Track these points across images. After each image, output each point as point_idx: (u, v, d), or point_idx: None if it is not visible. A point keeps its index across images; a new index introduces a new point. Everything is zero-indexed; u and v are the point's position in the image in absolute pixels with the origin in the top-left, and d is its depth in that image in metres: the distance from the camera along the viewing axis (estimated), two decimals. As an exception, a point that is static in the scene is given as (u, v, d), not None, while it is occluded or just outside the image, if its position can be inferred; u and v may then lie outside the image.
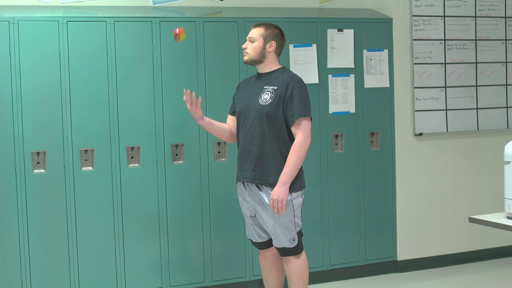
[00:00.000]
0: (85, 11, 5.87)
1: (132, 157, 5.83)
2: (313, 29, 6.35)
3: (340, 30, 6.42)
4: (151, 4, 6.22)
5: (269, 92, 4.93)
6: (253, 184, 4.99)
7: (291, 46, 6.22)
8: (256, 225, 5.15)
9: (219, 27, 6.00)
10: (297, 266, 5.03)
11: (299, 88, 4.89)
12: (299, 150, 4.84)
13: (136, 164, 5.84)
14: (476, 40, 7.02)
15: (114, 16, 5.74)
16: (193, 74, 5.92)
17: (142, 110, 5.83)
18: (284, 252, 5.03)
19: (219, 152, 6.06)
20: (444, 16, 6.86)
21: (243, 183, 5.06)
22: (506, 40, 7.16)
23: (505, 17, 7.15)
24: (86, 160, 5.70)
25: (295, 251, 5.03)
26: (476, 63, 7.01)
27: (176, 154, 5.92)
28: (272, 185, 4.89)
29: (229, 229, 6.10)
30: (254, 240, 5.24)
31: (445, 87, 6.85)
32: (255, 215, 5.10)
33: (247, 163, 4.99)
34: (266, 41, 4.95)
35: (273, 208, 4.84)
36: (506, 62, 7.15)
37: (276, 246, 5.05)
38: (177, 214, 5.96)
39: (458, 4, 6.91)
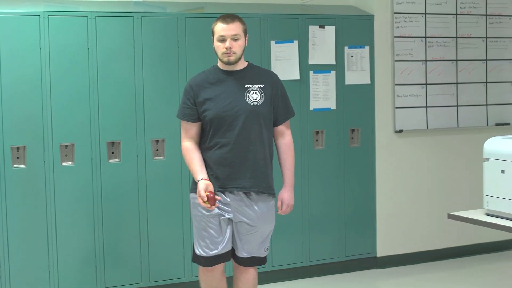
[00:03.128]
0: (66, 5, 5.84)
1: (113, 152, 5.82)
2: (295, 26, 6.36)
3: (321, 26, 6.43)
4: (133, -1, 6.21)
5: (256, 91, 4.61)
6: (249, 193, 4.58)
7: (272, 42, 6.23)
8: (227, 234, 4.61)
9: (201, 23, 5.99)
10: (255, 277, 4.79)
11: (282, 84, 4.76)
12: (293, 149, 4.76)
13: (117, 160, 5.83)
14: (456, 37, 7.04)
15: (95, 11, 5.72)
16: (175, 69, 5.91)
17: (123, 105, 5.82)
18: (251, 262, 4.72)
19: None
20: (425, 14, 6.88)
21: (231, 192, 4.56)
22: (486, 37, 7.19)
23: (486, 15, 7.18)
24: (66, 155, 5.68)
25: (263, 260, 4.78)
26: (456, 60, 7.04)
27: (157, 150, 5.91)
28: (273, 193, 4.68)
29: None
30: (218, 252, 4.61)
31: (426, 84, 6.88)
32: (232, 225, 4.62)
33: (242, 169, 4.54)
34: (245, 36, 4.63)
35: (283, 213, 4.75)
36: (486, 60, 7.18)
37: (243, 256, 4.68)
38: (159, 208, 5.97)
39: (439, 1, 6.94)
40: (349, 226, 6.66)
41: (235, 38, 4.55)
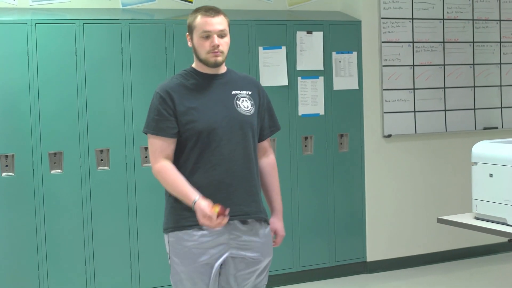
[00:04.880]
0: (54, 13, 5.84)
1: (102, 160, 5.81)
2: (283, 32, 6.37)
3: (309, 32, 6.44)
4: (120, 6, 6.20)
5: (246, 99, 3.85)
6: (246, 221, 3.76)
7: (260, 48, 6.23)
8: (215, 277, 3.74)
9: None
10: None
11: (266, 92, 4.03)
12: (277, 170, 4.03)
13: (106, 167, 5.82)
14: (444, 42, 7.07)
15: (83, 18, 5.72)
16: (163, 76, 5.89)
17: (111, 112, 5.81)
18: None
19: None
20: (413, 19, 6.90)
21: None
22: (473, 42, 7.21)
23: (473, 20, 7.21)
24: (55, 163, 5.67)
25: None
26: (444, 65, 7.06)
27: (146, 157, 5.90)
28: (267, 220, 3.87)
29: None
30: None
31: (414, 89, 6.89)
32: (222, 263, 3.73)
33: (241, 192, 3.73)
34: (229, 33, 3.85)
35: (276, 245, 3.96)
36: (473, 64, 7.21)
37: None
38: (148, 216, 5.96)
39: (426, 6, 6.96)
40: (339, 231, 6.67)
41: (221, 35, 3.76)
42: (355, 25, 6.68)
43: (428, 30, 6.99)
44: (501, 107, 7.34)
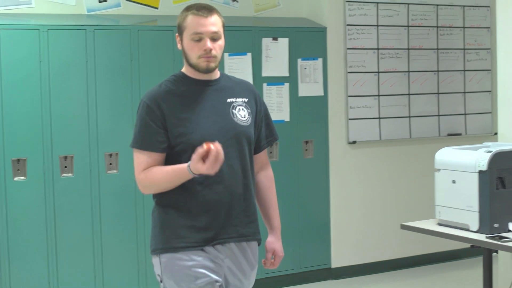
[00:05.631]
0: (18, 18, 5.79)
1: (66, 167, 5.77)
2: (248, 38, 6.38)
3: (275, 39, 6.46)
4: (85, 12, 6.17)
5: (243, 108, 3.48)
6: (240, 243, 3.47)
7: (226, 55, 6.23)
8: None
9: (154, 36, 5.99)
10: None
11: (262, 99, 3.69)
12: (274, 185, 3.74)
13: (70, 174, 5.78)
14: (408, 49, 7.12)
15: (47, 24, 5.68)
16: (128, 83, 5.88)
17: (76, 119, 5.77)
18: None
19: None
20: (378, 26, 6.95)
21: (223, 244, 3.40)
22: (438, 49, 7.27)
23: (437, 27, 7.27)
24: (18, 170, 5.63)
25: None
26: (408, 71, 7.11)
27: (110, 164, 5.87)
28: (260, 239, 3.58)
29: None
30: None
31: (378, 95, 6.93)
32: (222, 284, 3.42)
33: (234, 213, 3.39)
34: (224, 34, 3.46)
35: (274, 267, 3.78)
36: (438, 71, 7.27)
37: None
38: (113, 223, 5.93)
39: (391, 13, 7.01)
40: (304, 238, 6.68)
41: (215, 37, 3.35)
42: (321, 31, 6.70)
43: (393, 37, 7.04)
44: (465, 114, 7.41)
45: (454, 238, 4.17)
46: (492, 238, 3.90)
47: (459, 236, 4.11)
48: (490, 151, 4.01)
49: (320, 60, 6.66)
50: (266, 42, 6.43)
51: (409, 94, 7.12)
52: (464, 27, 7.42)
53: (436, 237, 4.41)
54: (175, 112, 3.32)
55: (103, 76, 5.84)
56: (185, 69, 3.45)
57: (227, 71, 6.21)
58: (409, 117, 7.10)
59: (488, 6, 7.46)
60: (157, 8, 6.41)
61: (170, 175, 3.27)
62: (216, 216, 3.33)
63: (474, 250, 6.01)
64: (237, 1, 6.73)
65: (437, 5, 7.26)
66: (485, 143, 4.48)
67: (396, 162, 7.14)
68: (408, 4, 7.11)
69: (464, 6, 7.40)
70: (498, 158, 3.99)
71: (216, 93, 3.42)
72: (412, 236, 6.11)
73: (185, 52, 3.38)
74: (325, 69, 6.69)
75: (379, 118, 6.93)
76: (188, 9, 3.38)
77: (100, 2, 6.19)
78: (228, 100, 3.44)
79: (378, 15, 6.95)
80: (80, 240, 5.83)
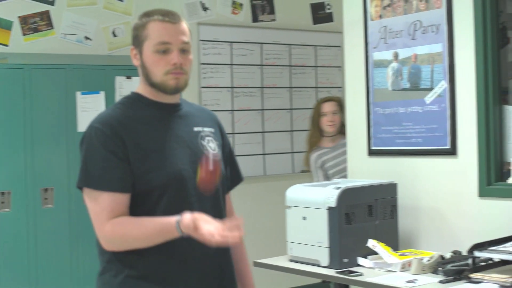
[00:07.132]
0: None
1: (46, 198, 5.81)
2: (101, 76, 6.32)
3: (128, 77, 6.42)
4: None
5: (211, 139, 2.88)
6: None
7: (78, 93, 6.15)
8: None
9: (4, 74, 5.85)
10: None
11: None
12: None
13: (7, 209, 5.74)
14: (262, 87, 7.21)
15: None
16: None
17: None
18: None
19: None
20: (232, 64, 7.02)
21: None
22: (291, 87, 7.41)
23: (290, 66, 7.41)
24: (3, 202, 5.67)
25: None
26: (262, 110, 7.20)
27: (46, 198, 5.89)
28: None
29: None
30: None
31: (233, 133, 6.98)
32: None
33: (211, 267, 2.80)
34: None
35: None
36: (291, 109, 7.39)
37: None
38: (91, 254, 5.92)
39: (245, 52, 7.10)
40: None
41: (185, 49, 2.75)
42: (175, 70, 6.70)
43: (247, 76, 7.12)
44: (318, 151, 7.55)
45: (305, 274, 4.21)
46: (342, 273, 3.95)
47: (310, 272, 4.16)
48: (338, 188, 4.08)
49: (174, 98, 6.65)
50: (120, 80, 6.38)
51: (263, 132, 7.20)
52: (316, 66, 7.60)
53: (289, 273, 4.45)
54: (138, 143, 2.65)
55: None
56: (142, 90, 2.84)
57: (79, 110, 6.14)
58: (264, 154, 7.17)
59: (339, 46, 7.65)
60: (7, 45, 6.26)
61: (150, 231, 2.58)
62: (188, 270, 2.73)
63: (325, 285, 6.10)
64: (91, 39, 6.66)
65: (290, 44, 7.40)
66: (335, 180, 4.57)
67: (251, 200, 7.17)
68: (262, 43, 7.22)
69: (316, 46, 7.58)
70: (346, 195, 4.06)
71: (181, 120, 2.81)
72: (265, 273, 6.15)
73: (146, 68, 2.76)
74: (180, 108, 6.69)
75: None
76: (149, 14, 2.74)
77: None
78: (195, 129, 2.83)
79: (232, 54, 7.02)
80: (61, 271, 5.89)
